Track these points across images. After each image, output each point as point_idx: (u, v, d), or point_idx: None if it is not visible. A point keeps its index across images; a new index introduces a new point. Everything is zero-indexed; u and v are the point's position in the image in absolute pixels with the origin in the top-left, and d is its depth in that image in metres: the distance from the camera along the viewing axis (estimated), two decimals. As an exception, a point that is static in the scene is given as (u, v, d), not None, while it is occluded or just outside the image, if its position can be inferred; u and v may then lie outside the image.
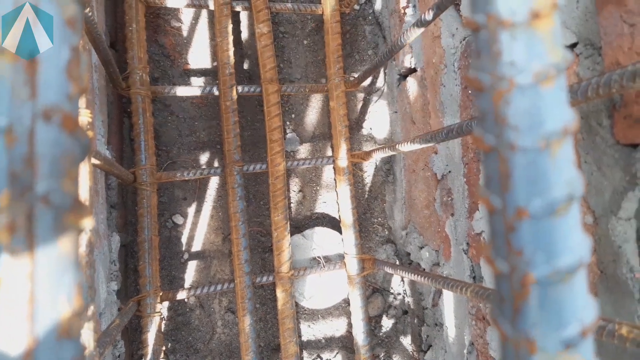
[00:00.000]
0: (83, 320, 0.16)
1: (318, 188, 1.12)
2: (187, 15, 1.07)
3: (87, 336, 0.42)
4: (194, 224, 1.04)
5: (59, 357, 0.15)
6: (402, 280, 1.13)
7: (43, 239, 0.15)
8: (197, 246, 1.04)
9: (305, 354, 1.07)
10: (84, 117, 0.40)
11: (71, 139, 0.16)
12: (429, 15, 0.64)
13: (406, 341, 1.11)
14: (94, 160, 0.57)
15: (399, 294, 1.13)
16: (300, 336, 1.07)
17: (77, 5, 0.17)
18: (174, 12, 1.06)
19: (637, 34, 0.43)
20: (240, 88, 0.99)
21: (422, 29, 0.67)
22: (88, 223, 0.16)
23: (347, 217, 1.04)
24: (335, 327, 1.10)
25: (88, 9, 0.58)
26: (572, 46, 0.51)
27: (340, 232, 1.07)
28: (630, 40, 0.43)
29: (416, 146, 0.72)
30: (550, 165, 0.19)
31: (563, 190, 0.19)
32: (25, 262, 0.15)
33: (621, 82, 0.40)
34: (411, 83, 1.01)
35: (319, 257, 1.06)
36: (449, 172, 0.87)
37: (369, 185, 1.15)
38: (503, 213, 0.19)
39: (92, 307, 0.49)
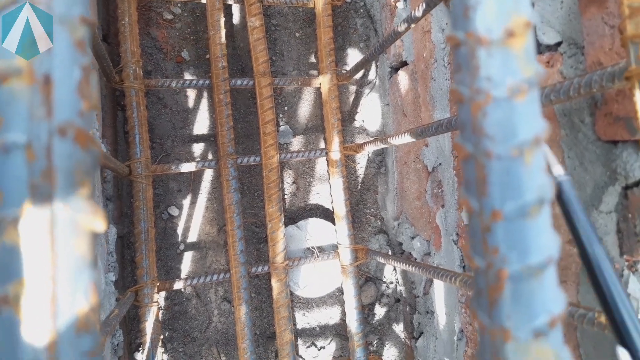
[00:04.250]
0: (99, 315, 0.18)
1: (311, 180, 1.14)
2: (179, 7, 1.08)
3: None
4: (190, 216, 1.05)
5: (78, 348, 0.17)
6: (395, 269, 1.15)
7: (63, 243, 0.17)
8: (192, 237, 1.06)
9: (300, 341, 1.09)
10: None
11: (84, 152, 0.17)
12: (418, 12, 0.65)
13: (398, 328, 1.14)
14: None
15: (392, 282, 1.16)
16: (295, 324, 1.09)
17: (85, 28, 0.18)
18: (166, 5, 1.06)
19: (618, 35, 0.44)
20: (233, 81, 1.00)
21: (413, 25, 0.68)
22: (102, 227, 0.18)
23: (340, 208, 1.06)
24: (329, 315, 1.12)
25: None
26: (557, 45, 0.53)
27: (334, 223, 1.09)
28: (611, 41, 0.45)
29: (407, 139, 0.74)
30: (523, 171, 0.20)
31: (535, 194, 0.21)
32: (47, 265, 0.16)
33: (601, 83, 0.42)
34: (402, 76, 1.03)
35: (312, 247, 1.08)
36: (440, 164, 0.89)
37: (361, 177, 1.17)
38: (480, 214, 0.21)
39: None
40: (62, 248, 0.17)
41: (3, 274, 0.16)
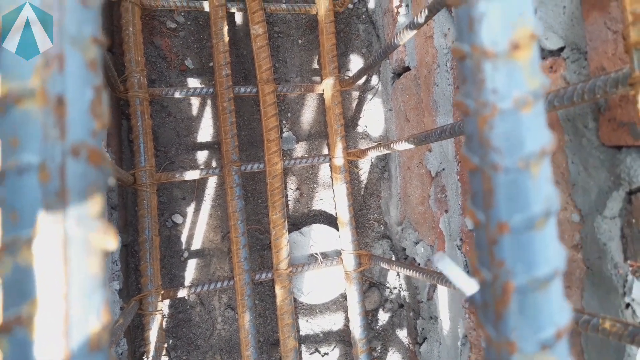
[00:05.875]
0: (110, 333, 0.18)
1: (315, 186, 1.14)
2: (182, 16, 1.08)
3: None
4: (194, 223, 1.06)
5: (90, 367, 0.17)
6: (398, 274, 1.15)
7: (76, 263, 0.17)
8: (196, 245, 1.06)
9: (303, 348, 1.09)
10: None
11: (96, 171, 0.18)
12: (421, 18, 0.65)
13: (402, 334, 1.14)
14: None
15: (395, 288, 1.15)
16: (298, 331, 1.09)
17: (97, 48, 0.18)
18: (170, 14, 1.07)
19: (620, 40, 0.45)
20: (236, 89, 1.01)
21: (415, 31, 0.69)
22: (114, 245, 0.18)
23: (343, 214, 1.06)
24: (333, 322, 1.12)
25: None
26: (560, 50, 0.53)
27: (337, 229, 1.09)
28: (614, 46, 0.45)
29: (410, 145, 0.74)
30: (529, 183, 0.21)
31: (541, 206, 0.21)
32: (60, 285, 0.16)
33: (605, 88, 0.42)
34: (405, 82, 1.03)
35: (316, 253, 1.08)
36: (443, 169, 0.89)
37: (364, 182, 1.17)
38: (487, 227, 0.21)
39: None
40: (75, 267, 0.17)
41: (17, 294, 0.16)
